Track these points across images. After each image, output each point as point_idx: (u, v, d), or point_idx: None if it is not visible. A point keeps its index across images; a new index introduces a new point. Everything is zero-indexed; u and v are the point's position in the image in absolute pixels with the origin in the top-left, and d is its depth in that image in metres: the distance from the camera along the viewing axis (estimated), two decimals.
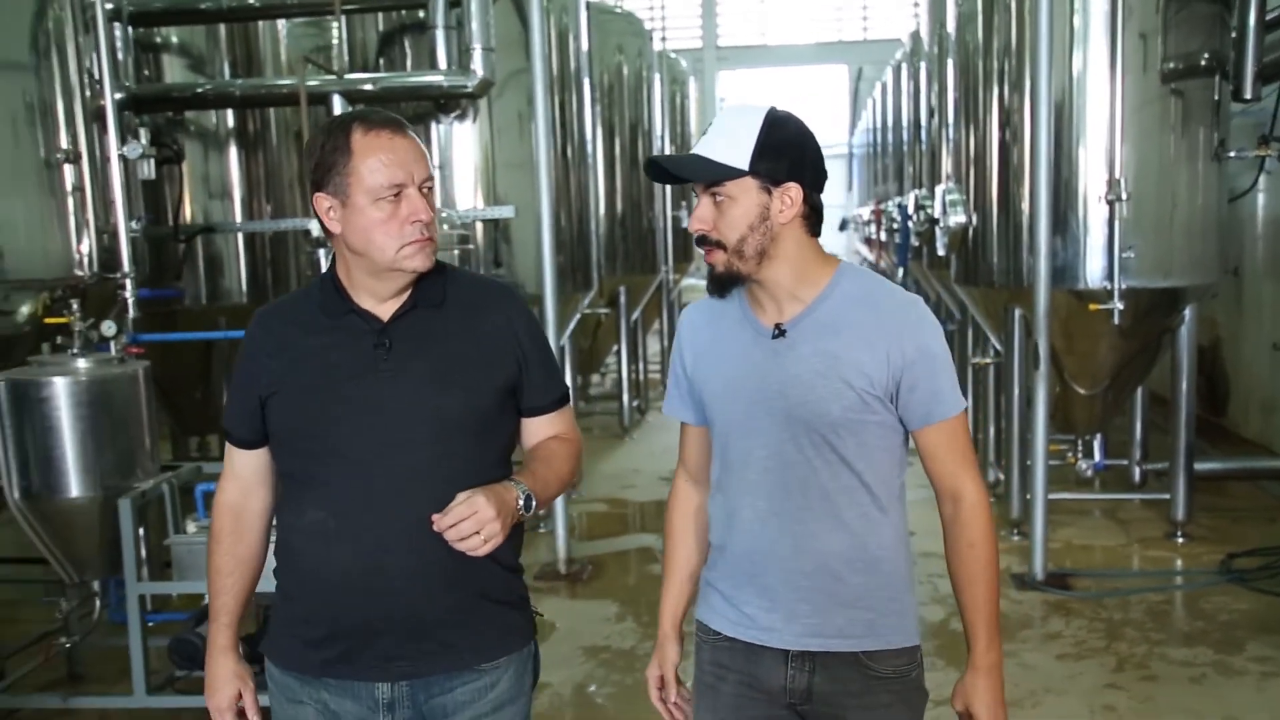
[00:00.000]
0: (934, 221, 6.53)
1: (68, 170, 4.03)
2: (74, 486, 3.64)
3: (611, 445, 8.69)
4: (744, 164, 1.77)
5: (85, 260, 4.09)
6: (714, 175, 1.78)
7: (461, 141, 5.86)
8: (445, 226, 4.84)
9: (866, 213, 14.51)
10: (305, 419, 1.85)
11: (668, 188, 10.02)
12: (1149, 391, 6.56)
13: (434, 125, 5.77)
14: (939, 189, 6.51)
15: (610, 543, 6.11)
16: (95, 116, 4.20)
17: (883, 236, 11.85)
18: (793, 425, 1.84)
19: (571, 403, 2.02)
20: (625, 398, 9.14)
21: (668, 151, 10.34)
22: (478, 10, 4.98)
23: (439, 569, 1.81)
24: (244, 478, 1.97)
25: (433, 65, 5.35)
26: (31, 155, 3.97)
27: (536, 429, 1.97)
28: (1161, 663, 4.21)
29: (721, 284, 1.85)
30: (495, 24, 5.21)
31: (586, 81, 6.71)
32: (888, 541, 1.88)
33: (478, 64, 5.05)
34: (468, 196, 5.81)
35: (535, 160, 5.22)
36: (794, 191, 1.80)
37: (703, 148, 1.81)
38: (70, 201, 4.05)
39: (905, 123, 10.37)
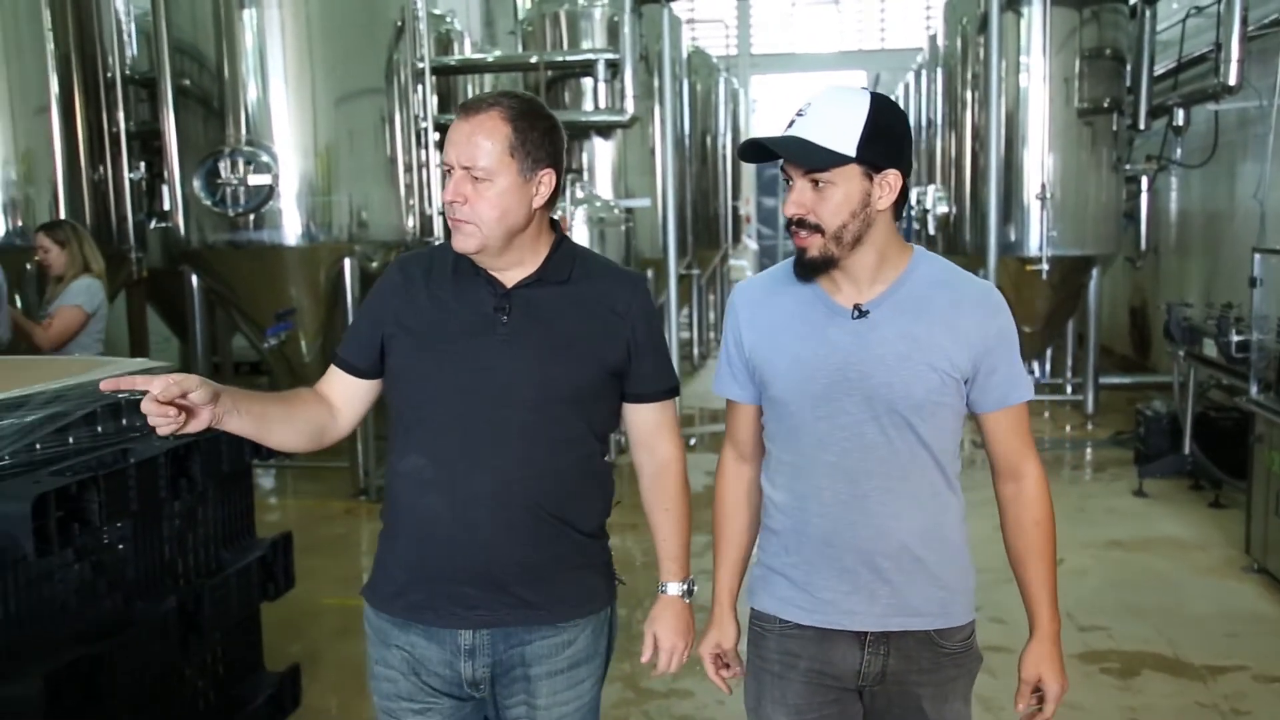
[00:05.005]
0: (927, 211, 9.24)
1: (402, 172, 6.77)
2: None
3: (684, 377, 11.48)
4: (850, 150, 1.72)
5: (412, 230, 6.85)
6: (822, 161, 1.73)
7: (603, 152, 8.63)
8: (616, 211, 7.54)
9: None
10: (418, 364, 1.89)
11: (729, 180, 12.71)
12: (1078, 332, 9.28)
13: (585, 142, 8.54)
14: (930, 188, 9.24)
15: None
16: (416, 135, 6.90)
17: None
18: (875, 406, 1.80)
19: (677, 399, 2.02)
20: (696, 335, 12.13)
21: (730, 148, 13.00)
22: (630, 71, 7.73)
23: (521, 529, 1.86)
24: (326, 396, 1.97)
25: (586, 104, 8.11)
26: (383, 156, 6.68)
27: (638, 416, 2.00)
28: (1054, 478, 6.85)
29: (815, 269, 1.79)
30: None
31: (686, 105, 9.48)
32: (955, 520, 1.88)
33: (629, 105, 7.81)
34: (607, 190, 8.56)
35: (663, 165, 7.99)
36: (893, 178, 1.76)
37: (804, 130, 1.75)
38: (404, 192, 6.79)
39: (913, 126, 13.01)
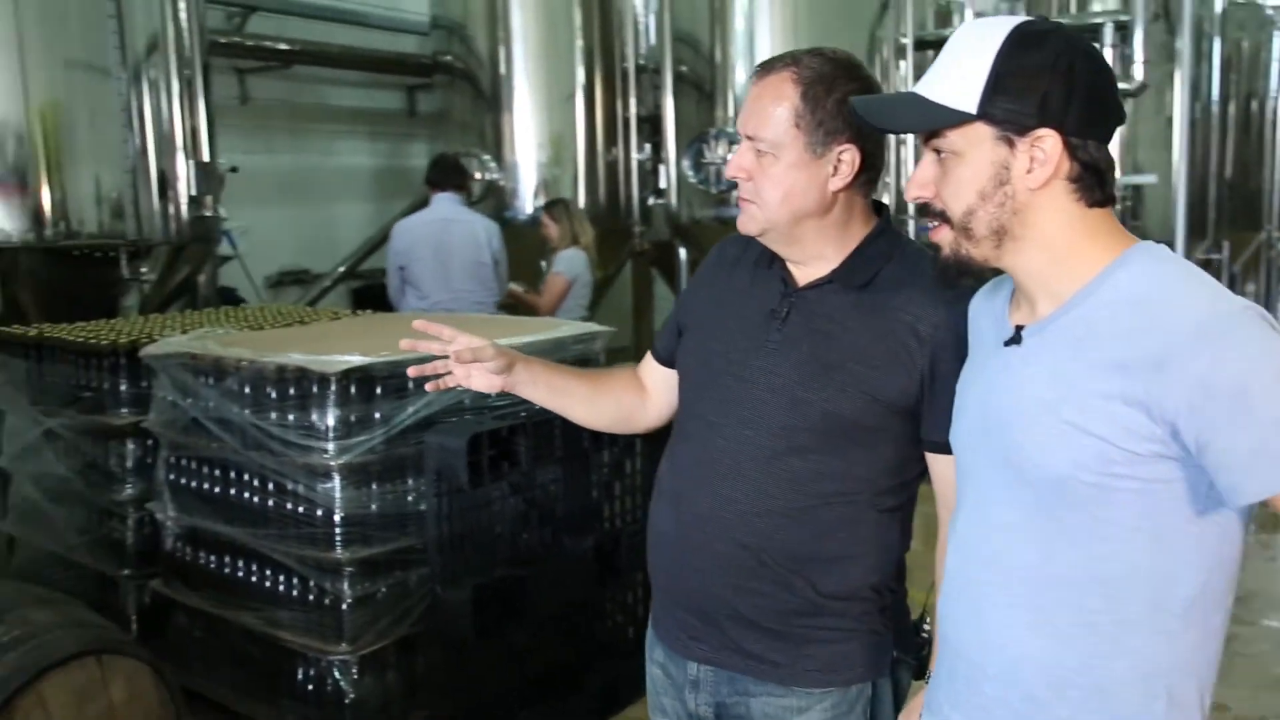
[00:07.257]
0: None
1: None
2: None
3: None
4: (970, 105, 1.24)
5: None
6: (925, 122, 1.28)
7: None
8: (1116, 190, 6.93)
9: None
10: (690, 361, 1.72)
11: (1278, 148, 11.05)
12: None
13: None
14: None
15: None
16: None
17: None
18: (1005, 472, 1.31)
19: None
20: None
21: None
22: (1140, 33, 7.04)
23: (736, 569, 1.61)
24: (643, 381, 1.88)
25: None
26: None
27: (936, 468, 1.59)
28: None
29: (947, 274, 1.34)
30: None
31: (1218, 67, 8.46)
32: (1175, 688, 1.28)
33: (1137, 72, 7.12)
34: (1116, 165, 7.87)
35: (1174, 139, 7.21)
36: (1049, 142, 1.24)
37: (924, 84, 1.30)
38: None
39: None
